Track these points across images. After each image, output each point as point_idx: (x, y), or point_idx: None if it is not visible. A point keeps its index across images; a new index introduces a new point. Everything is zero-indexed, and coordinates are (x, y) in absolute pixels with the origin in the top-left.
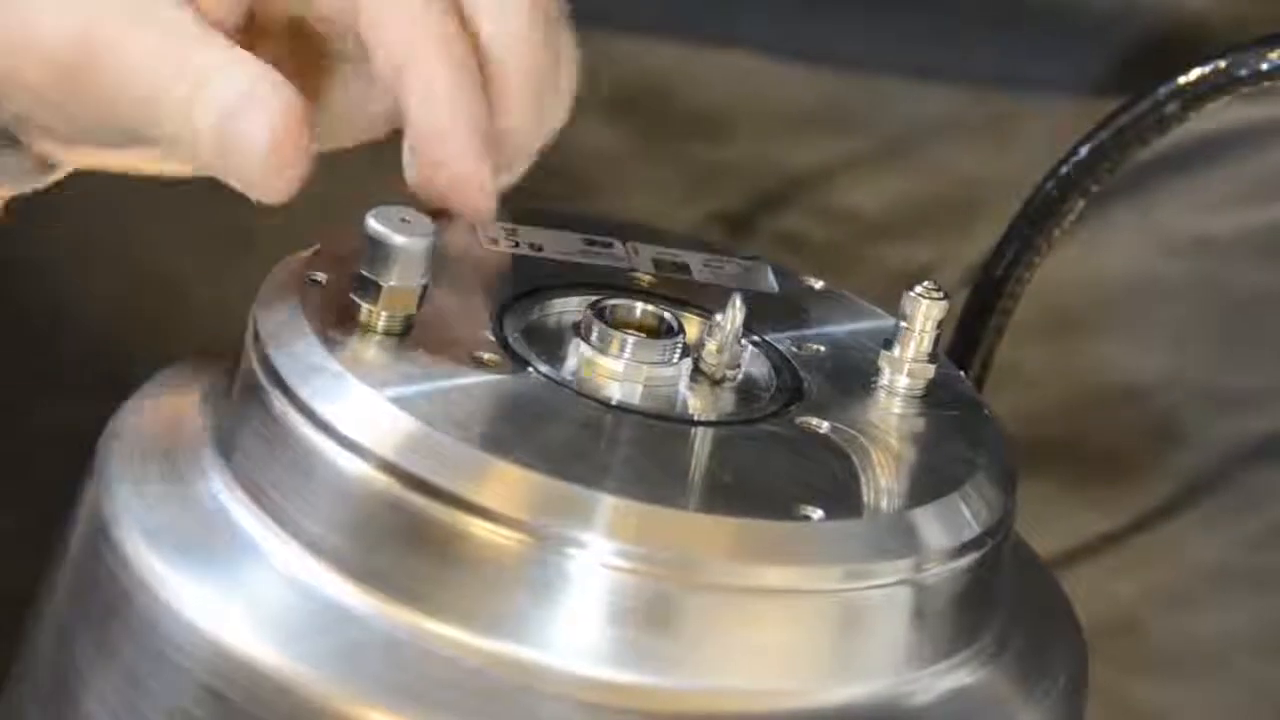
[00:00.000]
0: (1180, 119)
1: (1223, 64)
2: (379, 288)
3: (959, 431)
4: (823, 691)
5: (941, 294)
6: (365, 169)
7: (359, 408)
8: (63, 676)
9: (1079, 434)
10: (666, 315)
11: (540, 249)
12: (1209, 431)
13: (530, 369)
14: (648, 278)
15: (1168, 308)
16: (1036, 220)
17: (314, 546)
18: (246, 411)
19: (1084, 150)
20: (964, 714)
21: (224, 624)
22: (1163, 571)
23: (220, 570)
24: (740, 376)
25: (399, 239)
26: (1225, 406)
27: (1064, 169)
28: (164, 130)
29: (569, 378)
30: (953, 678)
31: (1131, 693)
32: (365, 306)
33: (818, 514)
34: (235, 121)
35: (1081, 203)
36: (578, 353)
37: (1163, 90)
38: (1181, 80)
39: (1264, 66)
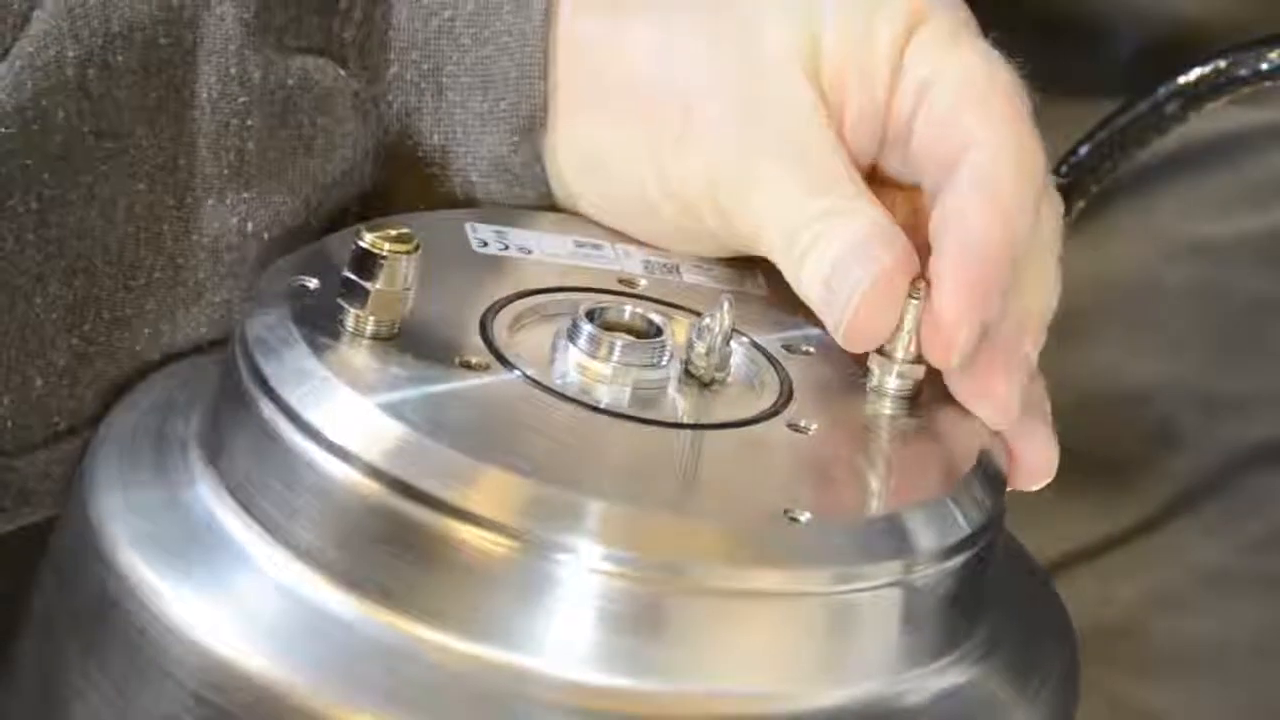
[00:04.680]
0: (1180, 119)
1: (1223, 64)
2: (367, 292)
3: (948, 432)
4: (814, 694)
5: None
6: None
7: (347, 413)
8: (50, 683)
9: (1078, 438)
10: (655, 318)
11: (529, 252)
12: (1208, 436)
13: (518, 373)
14: (637, 280)
15: (1167, 311)
16: None
17: (303, 552)
18: (235, 417)
19: (1084, 150)
20: (955, 714)
21: (213, 630)
22: (1162, 574)
23: (209, 576)
24: (729, 378)
25: (387, 244)
26: (1224, 411)
27: (1064, 169)
28: (773, 258)
29: (558, 381)
30: (944, 678)
31: (1131, 694)
32: (353, 311)
33: (807, 516)
34: (835, 279)
35: (1081, 203)
36: (566, 356)
37: (1163, 90)
38: (1181, 80)
39: (1264, 66)
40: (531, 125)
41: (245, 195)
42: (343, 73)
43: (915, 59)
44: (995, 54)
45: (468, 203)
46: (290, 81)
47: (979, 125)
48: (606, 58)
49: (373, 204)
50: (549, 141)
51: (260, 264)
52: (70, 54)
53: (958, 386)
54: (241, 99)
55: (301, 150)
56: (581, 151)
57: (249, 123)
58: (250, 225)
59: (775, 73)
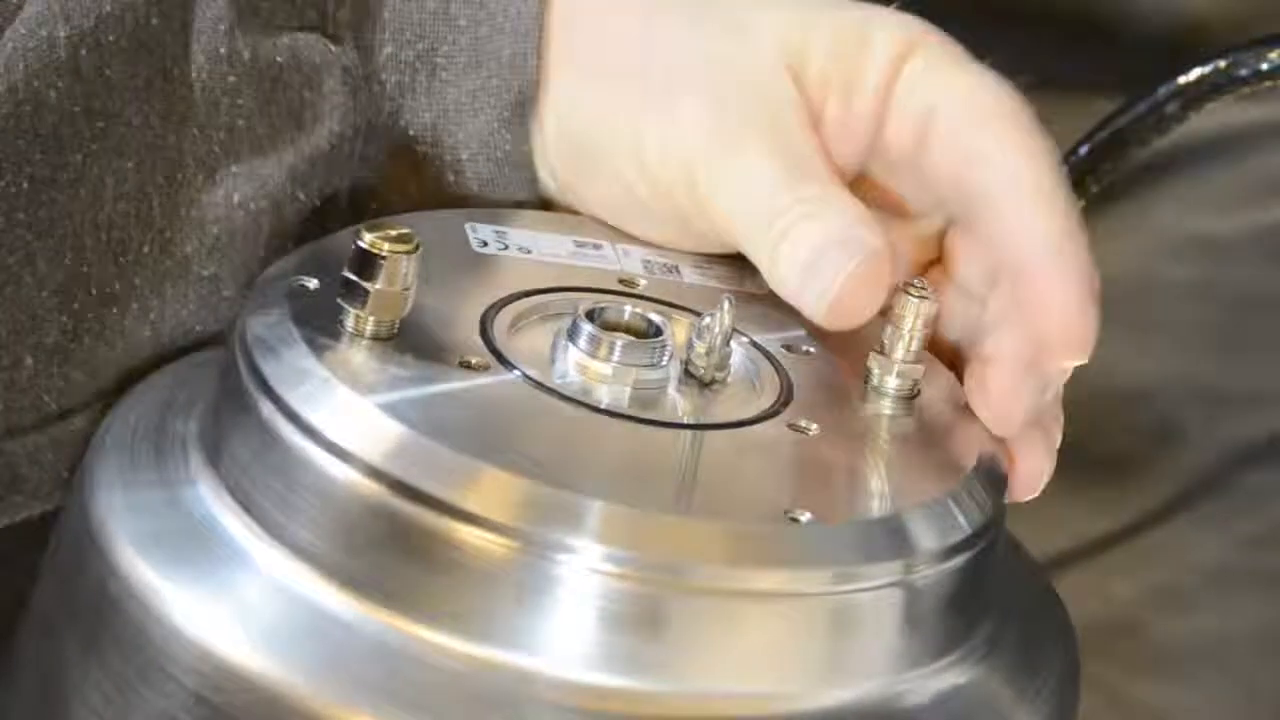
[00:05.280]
0: (1180, 119)
1: (1223, 64)
2: (366, 292)
3: (948, 432)
4: (815, 694)
5: (930, 293)
6: None
7: (346, 414)
8: (50, 682)
9: (1080, 435)
10: (655, 318)
11: (529, 251)
12: (1209, 432)
13: (518, 373)
14: (637, 280)
15: (1168, 308)
16: None
17: (302, 552)
18: (234, 417)
19: (1084, 150)
20: (956, 714)
21: (212, 630)
22: (1163, 572)
23: (208, 576)
24: (729, 378)
25: (386, 244)
26: (1225, 407)
27: (1064, 169)
28: (742, 246)
29: (558, 381)
30: (944, 678)
31: (1131, 692)
32: (353, 311)
33: (807, 516)
34: (818, 261)
35: (1081, 203)
36: (566, 356)
37: (1163, 90)
38: (1181, 80)
39: (1264, 66)
40: (522, 103)
41: (234, 170)
42: (333, 48)
43: (913, 84)
44: (995, 75)
45: (457, 184)
46: (279, 58)
47: (996, 150)
48: (598, 42)
49: (363, 184)
50: (538, 122)
51: (246, 237)
52: (62, 34)
53: (969, 389)
54: (231, 78)
55: (292, 125)
56: (569, 133)
57: (239, 101)
58: (237, 197)
59: (762, 66)
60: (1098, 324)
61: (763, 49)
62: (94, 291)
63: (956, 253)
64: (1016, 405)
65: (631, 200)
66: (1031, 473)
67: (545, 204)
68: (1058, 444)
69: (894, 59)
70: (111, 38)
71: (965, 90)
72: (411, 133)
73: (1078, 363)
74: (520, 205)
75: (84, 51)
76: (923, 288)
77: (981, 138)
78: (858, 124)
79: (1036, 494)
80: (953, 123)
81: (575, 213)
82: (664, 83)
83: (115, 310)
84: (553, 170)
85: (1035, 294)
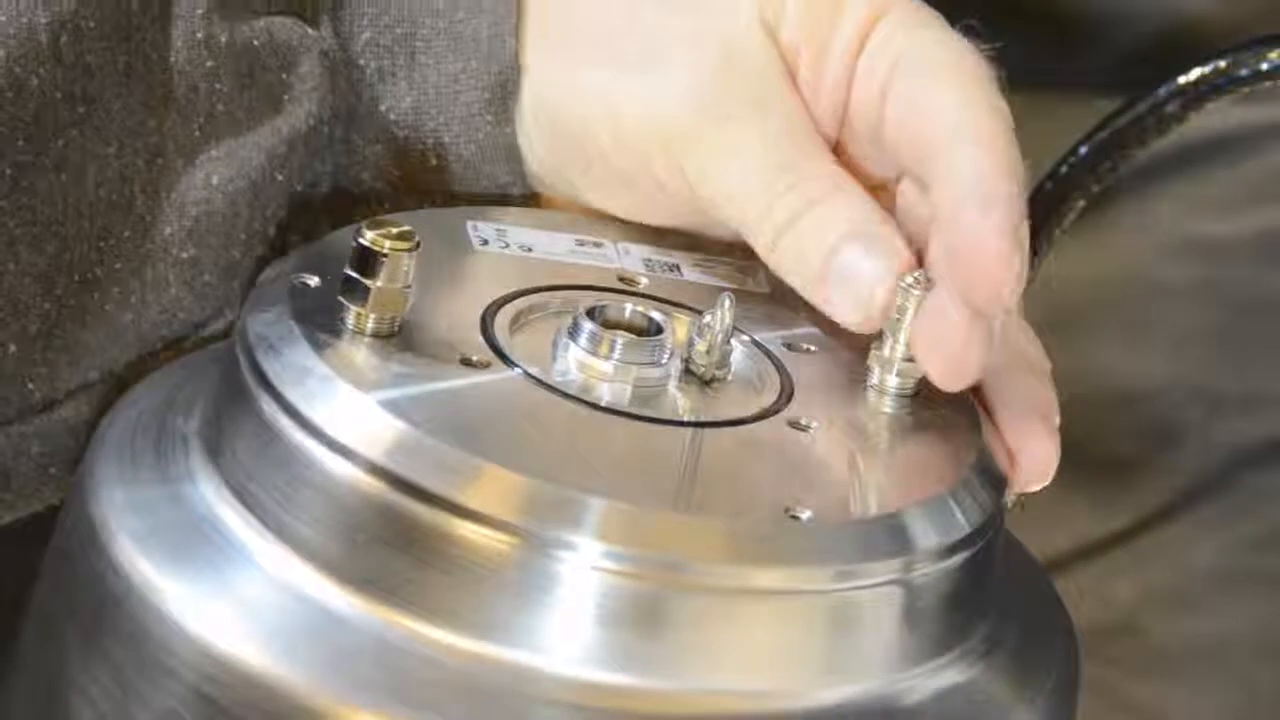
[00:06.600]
0: (1180, 119)
1: (1223, 64)
2: (367, 290)
3: (949, 430)
4: (814, 692)
5: (932, 285)
6: None
7: (347, 411)
8: (51, 680)
9: (1079, 436)
10: (656, 316)
11: (530, 250)
12: (1208, 434)
13: (519, 370)
14: (638, 278)
15: (1167, 309)
16: (1036, 220)
17: (303, 549)
18: (235, 414)
19: (1084, 150)
20: (955, 713)
21: (213, 627)
22: (1162, 573)
23: (209, 573)
24: (730, 376)
25: (387, 241)
26: (1224, 409)
27: (1064, 169)
28: (736, 226)
29: (558, 379)
30: (944, 677)
31: (1130, 694)
32: (354, 309)
33: (807, 514)
34: (849, 252)
35: (1081, 203)
36: (567, 354)
37: (1163, 90)
38: (1181, 80)
39: (1264, 66)
40: (503, 84)
41: (214, 154)
42: (310, 31)
43: (879, 45)
44: (963, 39)
45: (439, 167)
46: (256, 42)
47: (946, 103)
48: (573, 17)
49: (347, 170)
50: (518, 102)
51: (224, 219)
52: (42, 20)
53: (917, 348)
54: (209, 62)
55: (269, 107)
56: (548, 110)
57: (217, 85)
58: (215, 179)
59: (741, 33)
60: (1021, 271)
61: (740, 15)
62: (75, 277)
63: (904, 210)
64: (966, 357)
65: (612, 176)
66: (1039, 459)
67: (529, 183)
68: (1057, 426)
69: (864, 23)
70: (92, 24)
71: (925, 47)
72: (393, 117)
73: (1003, 312)
74: (504, 186)
75: (64, 37)
76: (924, 279)
77: (935, 91)
78: (828, 89)
79: (1048, 481)
80: (910, 77)
81: (558, 193)
82: (640, 54)
83: (96, 295)
84: (534, 149)
85: (960, 240)
